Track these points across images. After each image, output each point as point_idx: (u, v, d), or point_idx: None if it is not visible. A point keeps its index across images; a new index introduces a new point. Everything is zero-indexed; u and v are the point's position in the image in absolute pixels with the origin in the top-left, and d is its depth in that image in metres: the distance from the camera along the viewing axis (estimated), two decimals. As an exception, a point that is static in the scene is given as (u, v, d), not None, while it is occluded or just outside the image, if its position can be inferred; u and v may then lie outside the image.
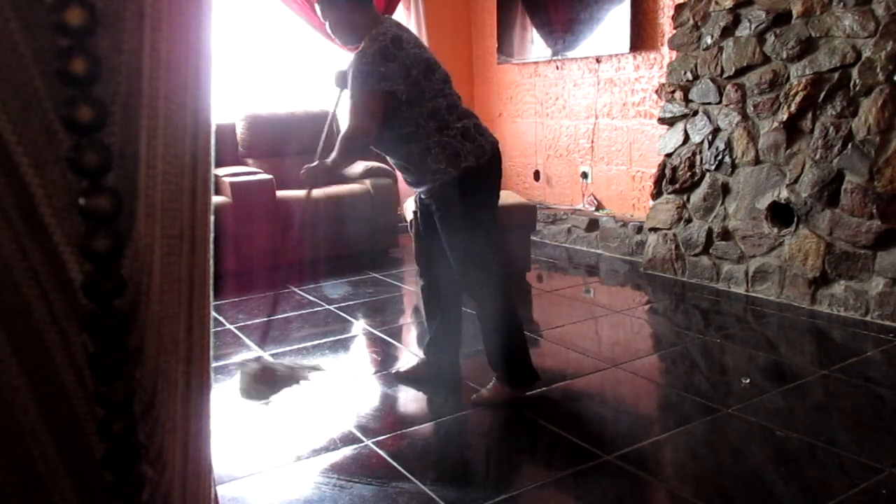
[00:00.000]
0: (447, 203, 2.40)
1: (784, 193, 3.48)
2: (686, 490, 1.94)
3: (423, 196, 2.51)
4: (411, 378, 2.78)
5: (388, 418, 2.48)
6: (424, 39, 5.49)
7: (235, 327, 3.44)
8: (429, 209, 2.49)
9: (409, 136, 2.37)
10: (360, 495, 1.96)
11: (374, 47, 2.30)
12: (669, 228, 4.06)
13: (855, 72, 3.18)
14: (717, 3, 3.76)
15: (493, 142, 2.47)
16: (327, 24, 2.47)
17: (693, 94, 3.90)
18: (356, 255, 4.78)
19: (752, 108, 3.62)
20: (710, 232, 3.85)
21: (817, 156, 3.33)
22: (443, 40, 5.69)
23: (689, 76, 3.91)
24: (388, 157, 2.57)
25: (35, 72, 0.44)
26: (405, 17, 5.43)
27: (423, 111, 2.35)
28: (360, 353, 3.22)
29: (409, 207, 4.22)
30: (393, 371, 2.86)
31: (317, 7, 2.50)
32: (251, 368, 2.26)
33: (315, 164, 2.51)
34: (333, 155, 2.48)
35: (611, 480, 2.01)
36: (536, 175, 5.57)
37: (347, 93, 2.43)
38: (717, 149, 3.78)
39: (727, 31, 3.71)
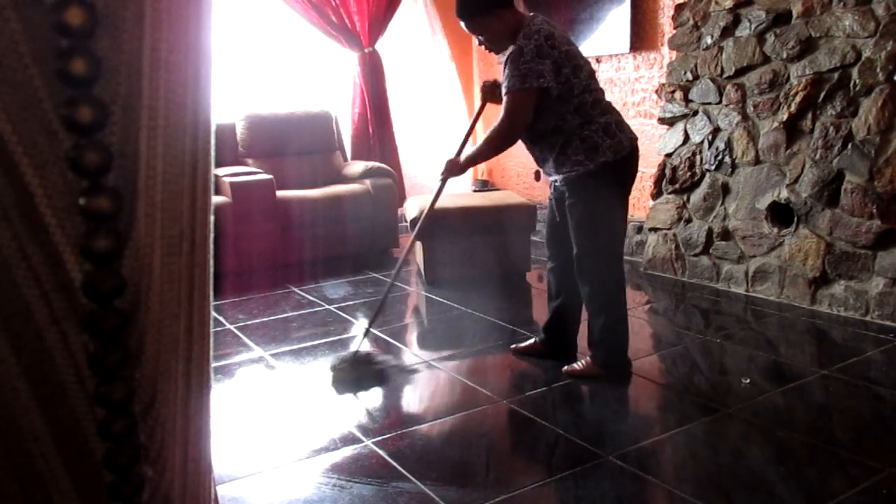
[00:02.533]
0: (580, 193, 2.53)
1: (784, 193, 3.48)
2: (686, 490, 1.94)
3: (558, 184, 2.63)
4: (527, 353, 2.96)
5: (388, 418, 2.48)
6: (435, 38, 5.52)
7: (235, 327, 3.44)
8: (563, 196, 2.60)
9: (555, 129, 2.50)
10: (360, 495, 1.96)
11: (531, 45, 2.39)
12: (669, 228, 4.06)
13: (855, 72, 3.18)
14: (717, 3, 3.76)
15: (632, 139, 2.56)
16: (483, 39, 2.55)
17: (693, 94, 3.90)
18: (356, 255, 4.79)
19: (752, 108, 3.62)
20: (710, 232, 3.85)
21: (817, 156, 3.33)
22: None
23: (689, 76, 3.91)
24: (526, 146, 2.67)
25: (35, 72, 0.44)
26: (406, 16, 5.44)
27: (570, 106, 2.46)
28: (360, 353, 3.21)
29: (409, 207, 4.23)
30: (512, 346, 3.02)
31: (463, 25, 2.55)
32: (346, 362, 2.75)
33: (455, 157, 2.76)
34: (476, 149, 2.67)
35: (611, 480, 2.01)
36: (537, 175, 5.57)
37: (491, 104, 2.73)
38: (717, 149, 3.78)
39: (727, 31, 3.71)
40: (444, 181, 2.85)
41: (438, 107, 5.71)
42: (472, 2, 2.50)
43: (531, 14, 2.54)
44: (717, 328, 3.28)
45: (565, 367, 2.75)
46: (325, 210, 4.57)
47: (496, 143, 2.57)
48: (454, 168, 2.76)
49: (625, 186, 2.60)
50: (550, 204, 2.76)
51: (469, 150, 2.80)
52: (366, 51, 5.18)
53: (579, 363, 2.73)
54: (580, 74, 2.47)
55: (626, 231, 2.74)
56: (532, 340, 2.98)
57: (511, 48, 2.45)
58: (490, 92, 2.83)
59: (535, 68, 2.38)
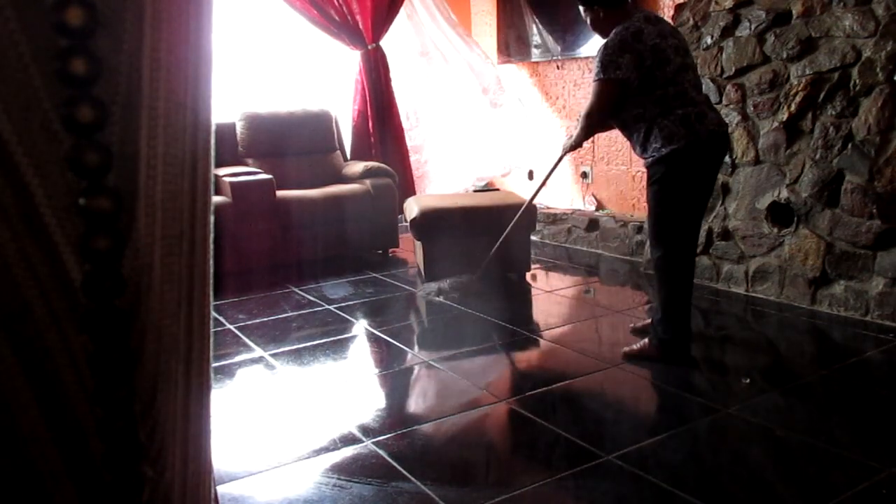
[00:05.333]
0: (655, 177, 2.74)
1: (784, 193, 3.48)
2: (686, 490, 1.94)
3: (645, 166, 2.83)
4: (643, 332, 3.07)
5: (387, 418, 2.48)
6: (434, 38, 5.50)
7: (235, 327, 3.44)
8: (648, 178, 2.83)
9: (637, 117, 2.73)
10: (360, 495, 1.96)
11: (615, 40, 2.67)
12: (669, 228, 4.06)
13: (855, 72, 3.18)
14: (717, 3, 3.76)
15: (711, 131, 2.69)
16: (588, 20, 2.88)
17: (693, 94, 3.89)
18: (356, 255, 4.78)
19: (752, 108, 3.62)
20: (710, 232, 3.85)
21: (817, 156, 3.33)
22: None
23: (689, 76, 3.91)
24: (620, 131, 2.92)
25: (35, 72, 0.44)
26: (407, 16, 5.43)
27: (650, 98, 2.68)
28: (360, 353, 3.22)
29: (409, 207, 4.23)
30: (631, 325, 3.24)
31: (580, 8, 2.90)
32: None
33: (570, 138, 3.05)
34: (577, 130, 2.94)
35: (611, 480, 2.01)
36: (530, 174, 5.57)
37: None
38: (717, 149, 3.78)
39: (727, 31, 3.71)
40: (562, 156, 3.19)
41: (458, 99, 5.65)
42: None
43: (638, 11, 2.79)
44: (717, 328, 3.28)
45: (625, 349, 2.91)
46: (325, 210, 4.57)
47: (585, 125, 2.87)
48: (570, 146, 3.08)
49: (697, 174, 2.72)
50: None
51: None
52: (369, 47, 5.17)
53: (639, 344, 2.89)
54: (665, 68, 2.66)
55: (701, 217, 2.86)
56: (648, 320, 3.13)
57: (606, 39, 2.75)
58: None
59: (615, 60, 2.64)
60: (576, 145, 3.04)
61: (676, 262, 2.78)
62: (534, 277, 4.33)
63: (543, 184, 3.40)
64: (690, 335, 2.85)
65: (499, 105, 5.51)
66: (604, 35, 2.79)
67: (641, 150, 2.79)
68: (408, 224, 4.19)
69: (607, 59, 2.65)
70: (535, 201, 3.83)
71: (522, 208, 3.45)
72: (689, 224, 2.78)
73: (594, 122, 2.85)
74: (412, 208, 4.12)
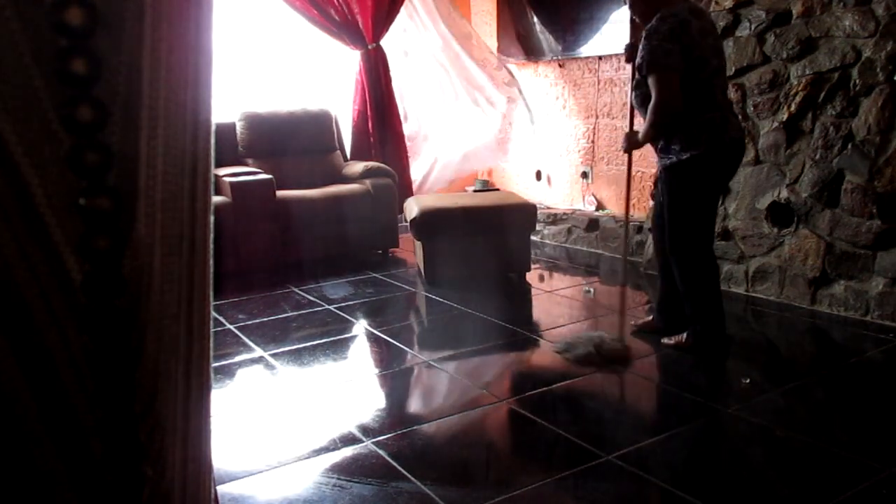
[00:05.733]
0: (671, 177, 2.74)
1: (784, 193, 3.48)
2: (686, 490, 1.94)
3: (661, 165, 2.82)
4: (645, 330, 3.15)
5: (387, 418, 2.48)
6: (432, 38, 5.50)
7: (235, 327, 3.44)
8: (663, 178, 2.82)
9: None
10: (360, 495, 1.96)
11: (665, 27, 2.58)
12: (669, 228, 4.06)
13: (855, 72, 3.18)
14: (717, 3, 3.76)
15: (732, 137, 2.71)
16: (629, 5, 2.82)
17: (693, 94, 3.90)
18: (356, 255, 4.78)
19: (752, 108, 3.62)
20: (710, 232, 3.85)
21: (817, 156, 3.33)
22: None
23: (689, 76, 3.91)
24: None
25: (35, 72, 0.44)
26: (407, 16, 5.43)
27: (683, 99, 2.62)
28: (360, 353, 3.22)
29: (409, 207, 4.23)
30: (632, 322, 3.23)
31: None
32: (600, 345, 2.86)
33: (630, 131, 2.96)
34: (644, 127, 2.75)
35: (611, 480, 2.01)
36: (538, 175, 5.57)
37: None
38: (717, 149, 3.78)
39: (727, 31, 3.71)
40: (629, 154, 3.04)
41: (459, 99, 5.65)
42: None
43: (681, 2, 2.67)
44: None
45: (664, 339, 2.97)
46: (325, 210, 4.57)
47: (653, 121, 2.68)
48: (632, 141, 2.92)
49: (713, 179, 2.75)
50: (656, 184, 3.01)
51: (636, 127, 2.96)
52: (369, 47, 5.17)
53: (677, 336, 2.93)
54: (703, 69, 2.63)
55: (715, 214, 2.91)
56: (649, 318, 3.20)
57: (650, 24, 2.65)
58: (629, 52, 2.95)
59: (668, 48, 2.56)
60: (641, 144, 2.90)
61: (701, 267, 2.80)
62: (534, 277, 4.33)
63: (628, 195, 3.23)
64: (723, 323, 2.87)
65: (515, 100, 5.53)
66: (644, 19, 2.71)
67: (663, 151, 2.77)
68: (408, 224, 4.19)
69: (661, 49, 2.56)
70: (535, 201, 3.83)
71: (624, 231, 3.36)
72: (705, 223, 2.80)
73: (667, 118, 2.64)
74: (412, 208, 4.12)
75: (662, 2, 2.65)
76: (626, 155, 3.06)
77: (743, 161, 3.65)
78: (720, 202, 3.78)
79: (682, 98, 2.61)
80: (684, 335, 2.91)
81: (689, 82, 2.61)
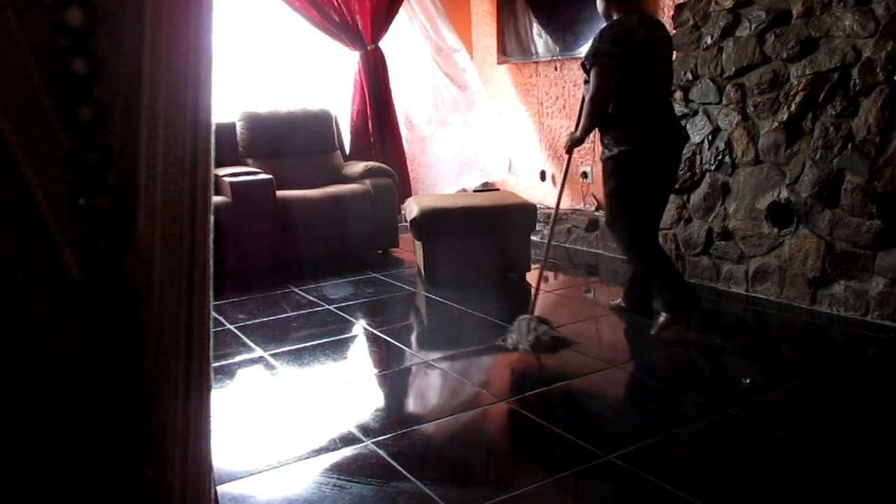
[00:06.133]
0: (605, 170, 3.10)
1: (784, 193, 3.48)
2: (686, 490, 1.94)
3: (601, 159, 3.14)
4: (617, 310, 3.47)
5: (387, 418, 2.48)
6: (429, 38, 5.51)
7: (235, 327, 3.44)
8: (602, 171, 3.16)
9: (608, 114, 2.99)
10: (360, 495, 1.96)
11: (609, 33, 2.90)
12: (669, 228, 4.06)
13: (855, 72, 3.18)
14: (717, 3, 3.76)
15: (662, 137, 2.98)
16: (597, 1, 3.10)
17: (693, 94, 3.90)
18: (356, 255, 4.78)
19: (752, 108, 3.62)
20: (710, 232, 3.85)
21: (817, 156, 3.33)
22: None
23: (689, 76, 3.91)
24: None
25: (35, 72, 0.44)
26: (407, 17, 5.43)
27: (618, 99, 2.92)
28: (360, 353, 3.22)
29: (409, 207, 4.23)
30: (611, 301, 3.55)
31: None
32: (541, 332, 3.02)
33: (574, 132, 3.18)
34: (582, 122, 3.05)
35: (611, 480, 2.01)
36: (543, 175, 5.57)
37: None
38: (717, 149, 3.78)
39: (727, 31, 3.71)
40: (570, 153, 3.28)
41: (453, 100, 5.66)
42: None
43: (639, 13, 3.01)
44: (717, 328, 3.28)
45: (653, 331, 3.08)
46: (325, 210, 4.57)
47: (591, 111, 2.96)
48: (573, 139, 3.17)
49: (650, 173, 3.00)
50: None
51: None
52: (368, 48, 5.17)
53: (656, 322, 3.08)
54: (640, 75, 2.89)
55: (659, 206, 3.14)
56: (619, 301, 3.49)
57: (601, 28, 2.97)
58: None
59: (608, 50, 2.86)
60: (581, 139, 3.13)
61: (638, 244, 3.07)
62: (535, 277, 4.32)
63: (562, 188, 3.44)
64: (686, 287, 3.09)
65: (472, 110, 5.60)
66: (607, 19, 3.02)
67: (603, 143, 3.08)
68: (408, 224, 4.19)
69: (602, 49, 2.87)
70: (537, 201, 3.84)
71: (552, 219, 3.48)
72: (643, 214, 3.05)
73: (599, 109, 2.94)
74: (412, 208, 4.12)
75: (618, 11, 2.98)
76: (581, 153, 3.25)
77: (743, 161, 3.68)
78: (719, 203, 3.78)
79: (619, 99, 2.91)
80: (661, 317, 3.06)
81: (626, 85, 2.89)
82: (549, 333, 3.04)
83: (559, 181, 5.35)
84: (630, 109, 2.93)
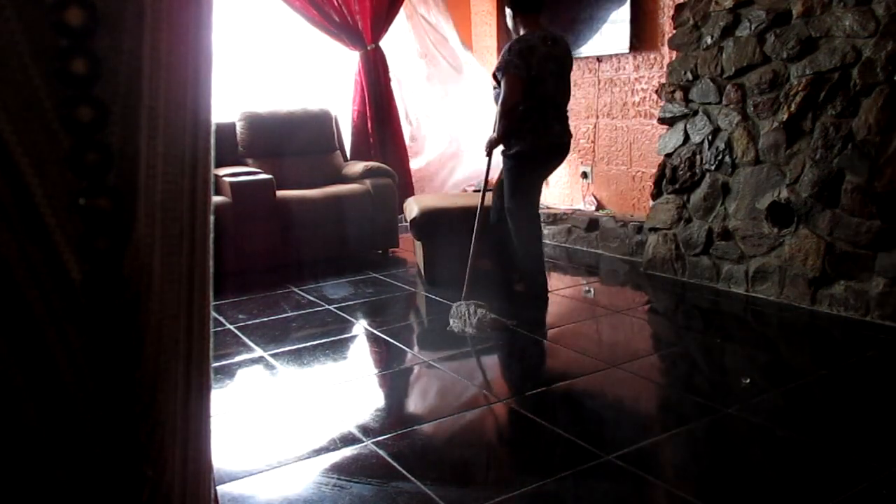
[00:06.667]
0: (504, 164, 3.65)
1: (784, 193, 3.48)
2: (686, 490, 1.94)
3: (502, 155, 3.64)
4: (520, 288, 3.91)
5: (388, 418, 2.48)
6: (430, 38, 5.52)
7: (235, 327, 3.44)
8: (503, 164, 3.67)
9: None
10: (360, 495, 1.96)
11: (516, 47, 3.41)
12: (669, 228, 4.06)
13: (855, 72, 3.18)
14: (717, 3, 3.76)
15: (550, 142, 3.56)
16: (507, 18, 3.62)
17: (693, 94, 3.90)
18: (356, 255, 4.78)
19: (752, 108, 3.62)
20: (710, 232, 3.85)
21: (817, 156, 3.33)
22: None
23: (689, 76, 3.91)
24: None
25: (35, 72, 0.44)
26: (406, 17, 5.43)
27: (522, 106, 3.45)
28: (360, 353, 3.22)
29: (409, 207, 4.23)
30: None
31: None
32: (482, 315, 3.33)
33: (492, 135, 3.59)
34: (498, 125, 3.51)
35: (611, 480, 2.01)
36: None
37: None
38: (717, 149, 3.78)
39: (727, 31, 3.71)
40: (489, 155, 3.69)
41: (457, 100, 5.67)
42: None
43: (542, 31, 3.50)
44: (717, 328, 3.28)
45: (517, 287, 3.79)
46: (325, 210, 4.57)
47: (503, 112, 3.46)
48: (490, 140, 3.60)
49: (538, 169, 3.65)
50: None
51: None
52: (368, 48, 5.17)
53: (518, 287, 3.80)
54: (539, 86, 3.42)
55: (536, 193, 3.73)
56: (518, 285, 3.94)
57: (510, 43, 3.48)
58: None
59: (515, 62, 3.38)
60: (499, 140, 3.54)
61: (522, 225, 3.64)
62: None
63: (485, 186, 3.81)
64: (541, 268, 3.75)
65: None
66: (515, 34, 3.54)
67: (505, 143, 3.56)
68: (408, 224, 4.19)
69: (511, 61, 3.38)
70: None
71: (478, 212, 3.73)
72: (527, 196, 3.65)
73: (511, 111, 3.44)
74: (412, 208, 4.12)
75: (530, 26, 3.50)
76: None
77: (743, 161, 3.68)
78: (719, 203, 3.78)
79: (521, 105, 3.41)
80: (521, 282, 3.73)
81: (527, 93, 3.40)
82: (487, 316, 3.33)
83: (556, 182, 5.36)
84: (528, 115, 3.45)
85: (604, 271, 4.41)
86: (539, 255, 3.73)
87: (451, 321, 3.36)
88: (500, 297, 3.68)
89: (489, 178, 3.82)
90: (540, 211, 5.09)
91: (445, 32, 5.53)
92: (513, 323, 3.32)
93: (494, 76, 3.49)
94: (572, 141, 5.33)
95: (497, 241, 3.86)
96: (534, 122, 3.46)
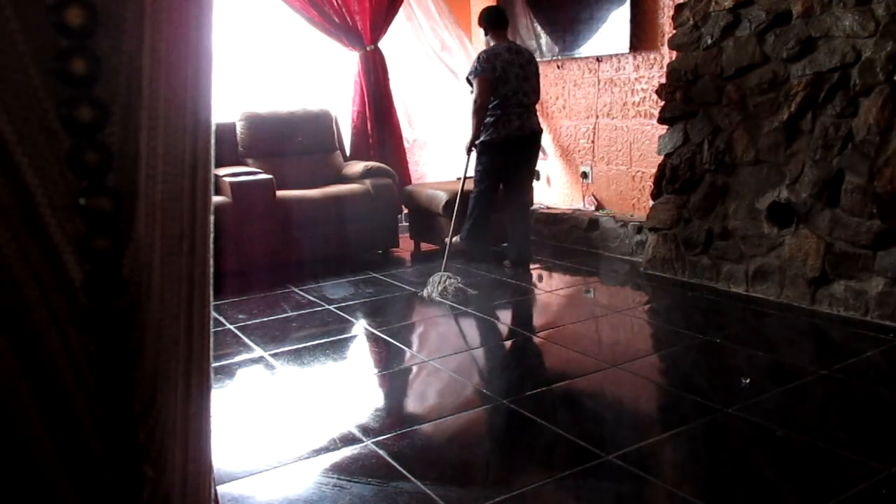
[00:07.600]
0: (478, 151, 4.29)
1: (784, 193, 3.48)
2: (686, 490, 1.94)
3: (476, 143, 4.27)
4: (510, 267, 4.45)
5: (387, 418, 2.48)
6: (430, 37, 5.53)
7: (235, 327, 3.44)
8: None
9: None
10: (360, 495, 1.96)
11: (485, 55, 4.15)
12: (669, 228, 4.06)
13: (855, 72, 3.18)
14: (717, 3, 3.76)
15: (511, 134, 4.17)
16: (482, 35, 4.40)
17: (693, 94, 3.90)
18: (356, 255, 4.78)
19: (752, 108, 3.62)
20: (709, 232, 3.85)
21: (817, 156, 3.33)
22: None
23: (689, 76, 3.91)
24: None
25: (35, 72, 0.44)
26: (406, 18, 5.43)
27: (491, 103, 4.14)
28: (359, 353, 3.22)
29: (419, 193, 4.24)
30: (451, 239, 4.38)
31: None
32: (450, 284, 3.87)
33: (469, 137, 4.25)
34: (472, 126, 4.15)
35: (611, 480, 2.01)
36: (538, 175, 5.57)
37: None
38: (717, 149, 3.78)
39: (727, 31, 3.71)
40: (469, 152, 4.31)
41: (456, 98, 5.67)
42: (480, 19, 4.41)
43: (510, 43, 4.27)
44: (717, 328, 3.28)
45: (451, 239, 4.29)
46: (325, 210, 4.57)
47: (475, 111, 4.13)
48: (470, 141, 4.24)
49: (503, 158, 4.21)
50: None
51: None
52: (368, 49, 5.17)
53: (452, 242, 4.32)
54: (504, 86, 4.11)
55: (508, 183, 4.35)
56: (506, 261, 4.47)
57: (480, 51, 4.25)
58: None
59: (484, 67, 4.10)
60: (474, 139, 4.17)
61: (482, 204, 4.28)
62: (534, 277, 4.33)
63: (464, 180, 4.37)
64: (483, 237, 4.36)
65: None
66: (485, 45, 4.28)
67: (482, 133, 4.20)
68: (441, 209, 4.58)
69: (480, 65, 4.09)
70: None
71: (457, 198, 4.33)
72: (491, 179, 4.27)
73: (481, 110, 4.10)
74: (435, 195, 4.63)
75: (493, 39, 4.25)
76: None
77: (743, 161, 3.68)
78: (719, 203, 3.78)
79: (492, 104, 4.11)
80: (457, 239, 4.31)
81: (494, 94, 4.08)
82: (454, 286, 3.83)
83: (556, 182, 5.36)
84: (493, 110, 4.13)
85: (604, 271, 4.41)
86: (487, 225, 4.36)
87: (424, 289, 3.87)
88: (490, 269, 4.33)
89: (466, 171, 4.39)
90: (540, 211, 5.19)
91: (444, 33, 5.53)
92: (474, 293, 3.81)
93: (468, 80, 4.17)
94: (572, 141, 5.40)
95: (511, 228, 4.46)
96: (497, 116, 4.12)
